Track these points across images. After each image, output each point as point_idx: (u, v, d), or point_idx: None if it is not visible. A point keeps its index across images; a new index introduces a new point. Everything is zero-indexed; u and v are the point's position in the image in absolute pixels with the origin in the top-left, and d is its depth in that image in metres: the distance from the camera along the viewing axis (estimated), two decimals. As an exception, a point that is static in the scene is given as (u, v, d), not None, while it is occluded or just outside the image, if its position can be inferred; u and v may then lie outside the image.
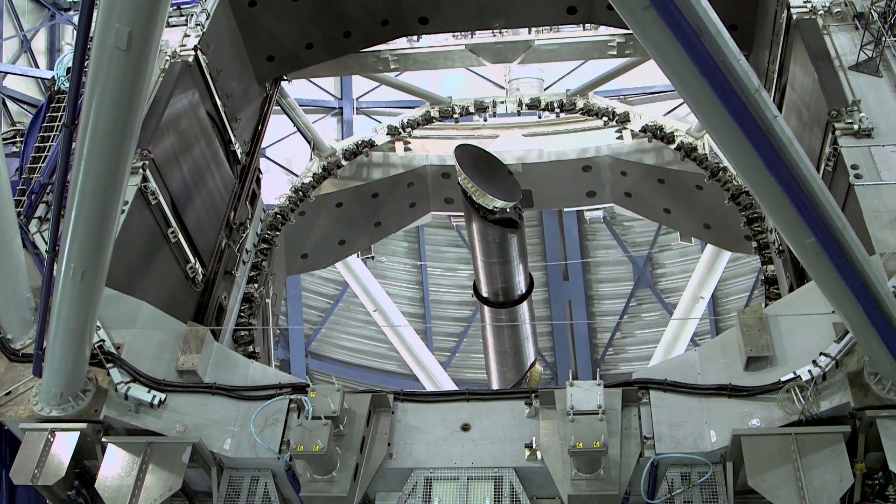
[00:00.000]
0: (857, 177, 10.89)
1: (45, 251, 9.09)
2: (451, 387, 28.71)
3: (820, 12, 13.29)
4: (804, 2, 13.64)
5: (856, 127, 11.36)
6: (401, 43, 18.69)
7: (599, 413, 9.14)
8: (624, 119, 18.80)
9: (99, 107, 7.10)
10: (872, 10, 12.48)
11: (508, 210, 13.96)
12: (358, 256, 24.31)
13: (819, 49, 12.56)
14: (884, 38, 12.24)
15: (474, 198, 13.71)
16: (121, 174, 7.77)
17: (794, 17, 13.42)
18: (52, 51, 23.34)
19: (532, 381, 18.22)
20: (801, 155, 6.89)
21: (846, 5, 13.39)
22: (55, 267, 8.82)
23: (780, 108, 14.61)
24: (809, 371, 9.22)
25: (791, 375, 9.31)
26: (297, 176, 19.41)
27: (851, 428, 9.06)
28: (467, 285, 31.39)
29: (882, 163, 11.02)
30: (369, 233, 21.54)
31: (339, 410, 9.59)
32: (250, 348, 15.09)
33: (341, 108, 27.95)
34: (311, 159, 19.51)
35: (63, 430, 9.94)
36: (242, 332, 15.16)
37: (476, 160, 13.99)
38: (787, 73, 14.17)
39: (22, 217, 11.92)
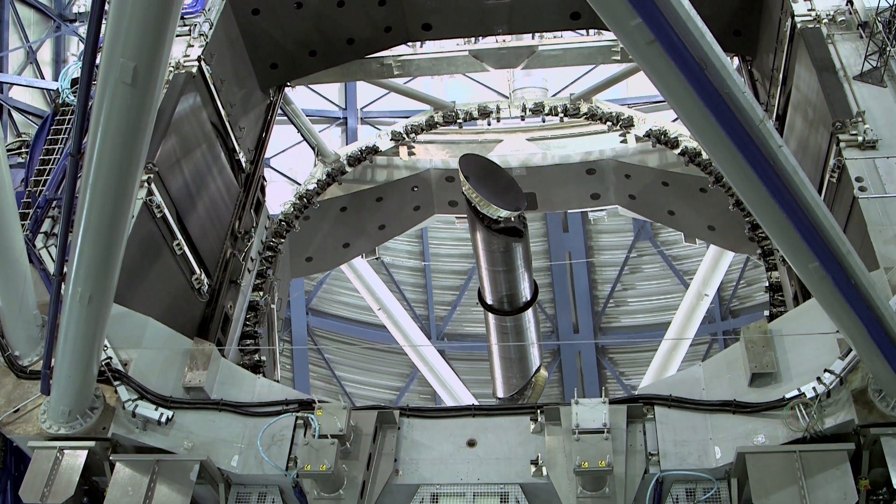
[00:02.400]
0: (862, 189, 10.86)
1: (53, 274, 9.12)
2: (457, 384, 28.68)
3: (824, 21, 13.22)
4: (808, 10, 13.57)
5: (860, 139, 11.32)
6: (404, 49, 18.67)
7: (605, 432, 9.19)
8: (628, 123, 18.79)
9: (104, 138, 7.13)
10: (877, 21, 12.44)
11: (513, 219, 13.99)
12: (363, 258, 24.37)
13: (823, 59, 12.52)
14: (888, 49, 12.20)
15: (479, 208, 13.73)
16: (126, 201, 7.81)
17: (799, 25, 13.36)
18: (58, 62, 23.35)
19: (537, 386, 18.28)
20: (805, 183, 6.92)
21: (850, 13, 13.33)
22: (62, 287, 8.89)
23: (785, 109, 14.58)
24: (814, 388, 9.27)
25: (795, 392, 9.35)
26: (300, 185, 19.40)
27: (856, 445, 9.11)
28: (466, 238, 31.17)
29: (886, 175, 10.98)
30: (373, 236, 21.59)
31: (346, 428, 9.66)
32: (256, 357, 15.16)
33: (346, 119, 28.00)
34: (315, 165, 19.54)
35: (72, 448, 10.02)
36: (248, 342, 15.23)
37: (480, 170, 14.00)
38: (793, 76, 14.12)
39: (28, 232, 11.95)
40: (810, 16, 13.41)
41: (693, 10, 6.02)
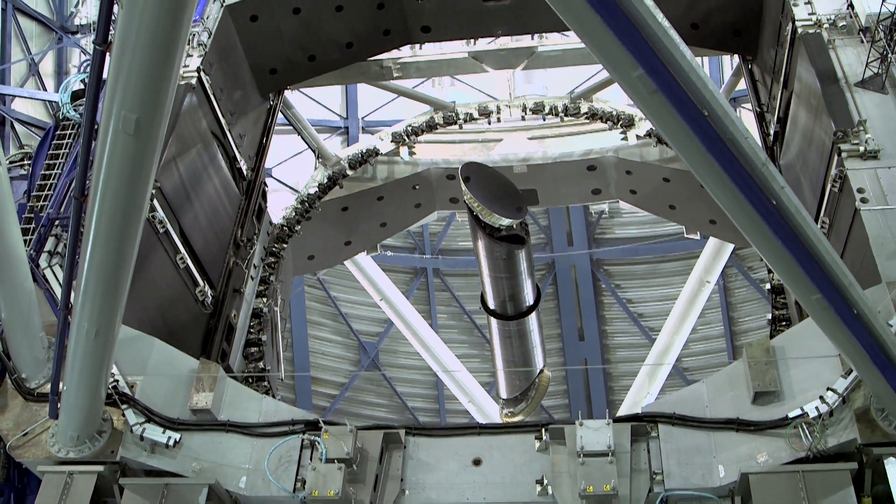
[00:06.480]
0: (864, 201, 10.83)
1: (59, 307, 9.16)
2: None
3: (825, 26, 13.10)
4: (809, 13, 13.46)
5: (861, 148, 11.29)
6: (404, 51, 18.60)
7: (609, 455, 9.27)
8: (628, 122, 18.77)
9: (107, 183, 7.15)
10: (879, 28, 12.36)
11: (515, 227, 13.99)
12: (366, 254, 24.45)
13: (825, 67, 12.44)
14: (889, 56, 12.14)
15: (480, 217, 13.74)
16: (131, 241, 7.84)
17: (799, 30, 13.26)
18: (60, 73, 23.29)
19: (540, 387, 18.35)
20: (808, 222, 6.96)
21: (851, 18, 13.20)
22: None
23: (787, 107, 14.54)
24: (817, 407, 9.30)
25: (798, 411, 9.38)
26: (301, 192, 19.38)
27: (858, 463, 9.18)
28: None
29: (888, 185, 10.94)
30: (375, 233, 21.64)
31: (352, 452, 9.73)
32: (261, 364, 15.23)
33: (347, 128, 27.90)
34: (315, 168, 19.55)
35: (81, 472, 10.10)
36: (252, 349, 15.30)
37: (482, 177, 13.98)
38: (794, 77, 14.04)
39: (31, 251, 11.98)
40: (811, 20, 13.28)
41: (695, 60, 6.03)
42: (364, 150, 19.84)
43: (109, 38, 6.39)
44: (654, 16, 5.58)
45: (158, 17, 6.09)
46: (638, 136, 18.96)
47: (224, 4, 15.38)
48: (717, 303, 30.82)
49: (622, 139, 19.47)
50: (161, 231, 12.68)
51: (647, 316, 32.05)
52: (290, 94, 18.60)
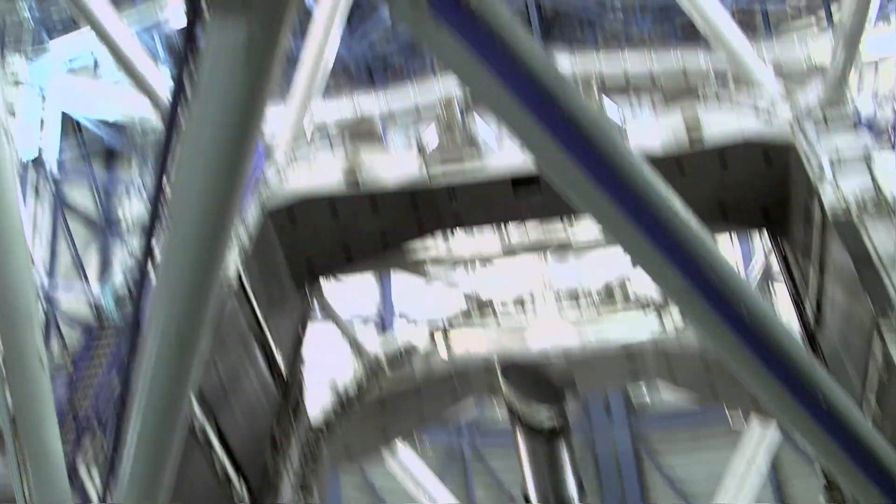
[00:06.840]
0: None
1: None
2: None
3: (853, 206, 13.09)
4: (834, 191, 13.42)
5: None
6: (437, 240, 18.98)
7: None
8: (664, 306, 18.77)
9: (148, 390, 7.17)
10: (907, 206, 12.44)
11: (554, 420, 13.76)
12: (401, 442, 24.15)
13: (857, 249, 12.41)
14: (920, 233, 12.15)
15: (520, 413, 13.55)
16: (170, 448, 7.78)
17: (828, 212, 13.23)
18: (105, 268, 23.92)
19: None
20: (859, 419, 6.79)
21: (877, 191, 13.18)
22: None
23: (822, 284, 14.40)
24: None
25: None
26: (339, 385, 19.42)
27: None
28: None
29: (935, 366, 10.76)
30: (412, 424, 21.46)
31: None
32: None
33: (382, 319, 28.31)
34: (353, 366, 19.65)
35: None
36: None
37: (519, 370, 13.92)
38: (827, 255, 14.00)
39: (70, 453, 11.89)
40: (838, 201, 13.24)
41: (730, 262, 6.09)
42: (402, 352, 19.94)
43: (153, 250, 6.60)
44: (688, 223, 5.68)
45: (203, 231, 6.30)
46: (676, 328, 18.91)
47: (265, 211, 15.87)
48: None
49: (659, 324, 19.39)
50: (201, 439, 12.62)
51: (692, 483, 31.07)
52: (324, 283, 18.93)
